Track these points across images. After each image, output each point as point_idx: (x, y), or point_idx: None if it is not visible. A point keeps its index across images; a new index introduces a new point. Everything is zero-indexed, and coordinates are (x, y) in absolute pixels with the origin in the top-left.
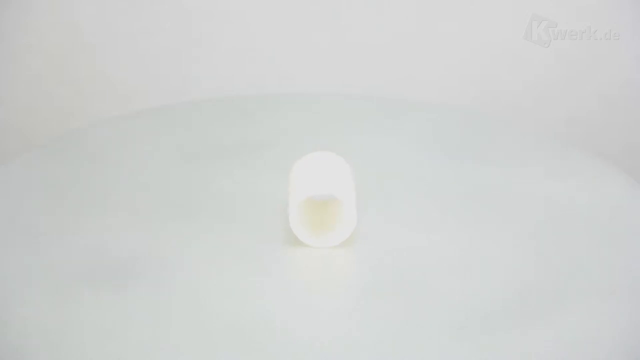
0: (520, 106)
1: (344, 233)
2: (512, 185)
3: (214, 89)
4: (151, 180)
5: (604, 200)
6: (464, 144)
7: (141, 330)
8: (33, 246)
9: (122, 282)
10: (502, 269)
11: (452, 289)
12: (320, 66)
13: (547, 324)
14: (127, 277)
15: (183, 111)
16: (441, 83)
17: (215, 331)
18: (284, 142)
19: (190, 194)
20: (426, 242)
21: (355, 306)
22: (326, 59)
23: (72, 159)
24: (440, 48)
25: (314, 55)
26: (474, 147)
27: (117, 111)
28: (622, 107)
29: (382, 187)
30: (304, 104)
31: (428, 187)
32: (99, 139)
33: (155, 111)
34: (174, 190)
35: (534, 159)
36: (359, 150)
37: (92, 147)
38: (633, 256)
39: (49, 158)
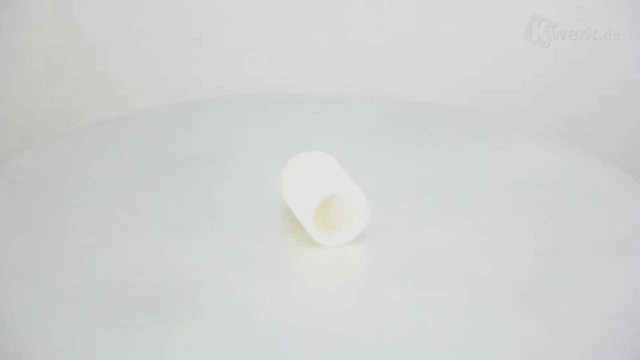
0: (520, 106)
1: (356, 230)
2: (504, 171)
3: (214, 89)
4: (145, 189)
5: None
6: (454, 139)
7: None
8: (37, 265)
9: (151, 304)
10: (509, 250)
11: (466, 274)
12: (320, 66)
13: (564, 295)
14: (152, 297)
15: (175, 113)
16: (441, 83)
17: (252, 333)
18: (278, 143)
19: (189, 198)
20: (430, 234)
21: (380, 299)
22: (326, 59)
23: (60, 166)
24: (440, 48)
25: (314, 55)
26: (463, 142)
27: (117, 111)
28: (622, 107)
29: (374, 184)
30: (304, 104)
31: (421, 182)
32: (78, 146)
33: (150, 113)
34: (171, 195)
35: (514, 144)
36: (351, 150)
37: (73, 155)
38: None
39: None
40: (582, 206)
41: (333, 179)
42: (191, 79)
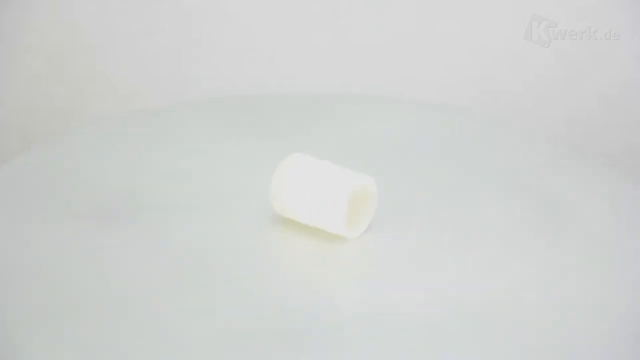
0: (520, 106)
1: (368, 218)
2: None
3: (214, 89)
4: (115, 230)
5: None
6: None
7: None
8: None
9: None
10: (503, 201)
11: (484, 234)
12: (320, 66)
13: (581, 218)
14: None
15: (170, 114)
16: (441, 83)
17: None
18: (275, 143)
19: (178, 226)
20: (432, 210)
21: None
22: (326, 59)
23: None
24: (440, 48)
25: (314, 55)
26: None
27: (117, 111)
28: (622, 107)
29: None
30: (303, 104)
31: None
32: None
33: (146, 113)
34: (154, 229)
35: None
36: (346, 150)
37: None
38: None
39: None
40: (491, 149)
41: (346, 172)
42: (191, 79)
